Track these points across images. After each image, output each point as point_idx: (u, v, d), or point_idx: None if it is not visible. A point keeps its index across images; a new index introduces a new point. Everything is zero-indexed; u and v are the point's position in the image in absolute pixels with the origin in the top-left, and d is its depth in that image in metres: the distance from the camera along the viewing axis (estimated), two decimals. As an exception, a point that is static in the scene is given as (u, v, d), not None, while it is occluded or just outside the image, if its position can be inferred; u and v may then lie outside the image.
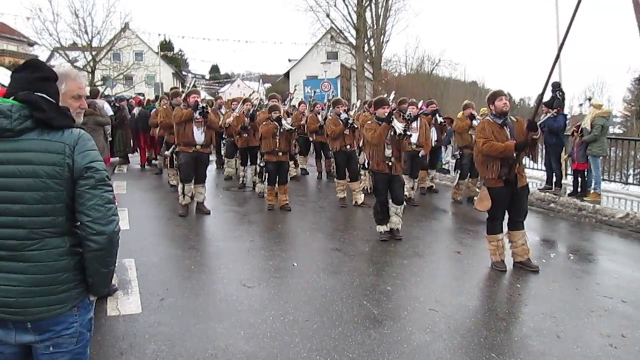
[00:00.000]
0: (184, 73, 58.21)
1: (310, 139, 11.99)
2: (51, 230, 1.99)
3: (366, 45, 29.06)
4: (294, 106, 13.69)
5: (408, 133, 6.68)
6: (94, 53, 30.67)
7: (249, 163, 10.42)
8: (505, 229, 5.75)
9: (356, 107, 12.12)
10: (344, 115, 8.90)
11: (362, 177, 9.30)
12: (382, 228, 6.81)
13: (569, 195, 9.36)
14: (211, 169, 12.91)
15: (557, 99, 9.84)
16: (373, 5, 28.55)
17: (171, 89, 11.66)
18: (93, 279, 2.09)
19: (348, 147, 8.99)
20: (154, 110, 12.84)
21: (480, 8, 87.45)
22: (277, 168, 8.48)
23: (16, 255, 1.97)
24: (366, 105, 10.54)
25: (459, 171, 9.69)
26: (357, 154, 9.09)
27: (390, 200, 6.79)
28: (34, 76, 2.04)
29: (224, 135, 11.57)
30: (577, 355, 3.80)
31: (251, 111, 9.87)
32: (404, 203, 6.96)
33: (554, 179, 10.00)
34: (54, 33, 29.37)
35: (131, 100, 15.83)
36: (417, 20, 63.34)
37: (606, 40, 78.62)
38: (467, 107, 9.56)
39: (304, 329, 4.12)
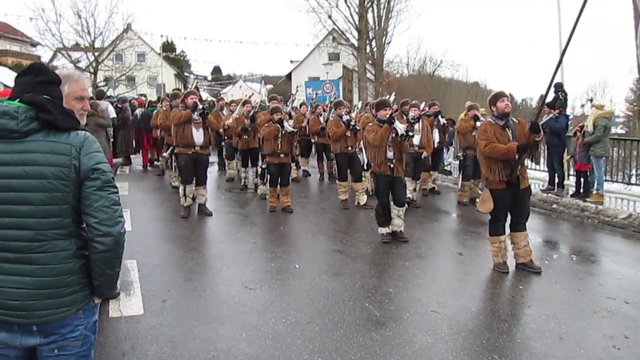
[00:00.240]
0: (186, 74, 58.31)
1: (312, 140, 11.99)
2: (58, 232, 2.00)
3: (368, 47, 29.08)
4: (295, 107, 13.71)
5: (410, 134, 6.67)
6: (96, 54, 30.76)
7: (249, 165, 10.44)
8: (507, 230, 5.74)
9: (358, 108, 12.12)
10: (345, 117, 8.90)
11: (363, 178, 9.29)
12: (384, 230, 6.80)
13: (572, 196, 9.35)
14: (213, 171, 12.95)
15: (560, 100, 9.84)
16: (375, 7, 28.58)
17: (173, 90, 11.69)
18: (99, 280, 2.09)
19: (349, 148, 8.98)
20: (155, 111, 12.87)
21: (482, 9, 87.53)
22: (279, 170, 8.48)
23: (23, 257, 1.97)
24: (368, 107, 10.55)
25: (463, 172, 9.67)
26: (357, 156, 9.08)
27: (392, 203, 6.78)
28: (37, 80, 2.05)
29: (223, 137, 11.57)
30: (580, 356, 3.79)
31: (251, 113, 9.88)
32: (406, 205, 6.95)
33: (556, 180, 9.98)
34: (57, 34, 29.54)
35: (133, 101, 15.87)
36: (419, 21, 63.34)
37: (608, 41, 78.54)
38: (471, 108, 9.54)
39: (305, 331, 4.11)
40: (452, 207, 9.42)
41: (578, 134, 9.39)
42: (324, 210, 8.97)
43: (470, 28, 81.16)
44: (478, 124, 8.50)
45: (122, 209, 2.10)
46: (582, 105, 10.65)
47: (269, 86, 54.08)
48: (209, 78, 68.76)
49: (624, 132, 28.17)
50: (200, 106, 7.97)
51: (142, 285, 5.09)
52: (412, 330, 4.17)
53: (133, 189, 10.65)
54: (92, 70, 30.19)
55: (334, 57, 34.62)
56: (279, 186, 8.59)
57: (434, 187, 10.63)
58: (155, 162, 13.72)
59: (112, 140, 8.59)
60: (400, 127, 6.54)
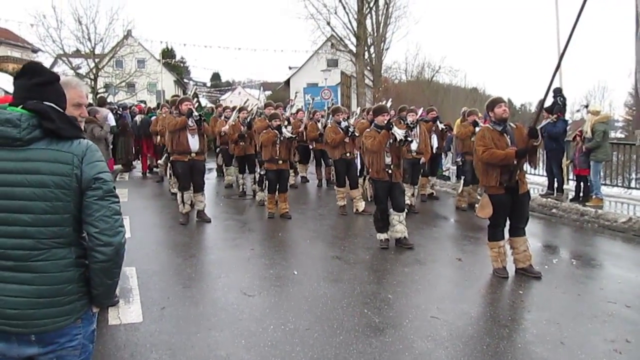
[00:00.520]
0: (185, 80, 58.40)
1: (310, 146, 11.99)
2: (58, 240, 1.99)
3: (366, 53, 29.13)
4: (292, 113, 13.72)
5: (409, 139, 6.67)
6: (96, 60, 30.82)
7: (247, 171, 10.44)
8: (506, 235, 5.74)
9: (356, 114, 12.13)
10: (344, 124, 8.90)
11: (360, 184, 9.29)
12: (382, 236, 6.79)
13: (571, 200, 9.34)
14: (212, 177, 12.96)
15: (558, 105, 9.85)
16: (373, 13, 28.64)
17: (172, 96, 11.71)
18: (98, 290, 2.08)
19: (348, 154, 8.98)
20: (154, 117, 12.89)
21: (480, 14, 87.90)
22: (278, 176, 8.48)
23: (22, 265, 1.95)
24: (364, 113, 10.60)
25: (462, 178, 9.67)
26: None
27: (391, 209, 6.77)
28: (32, 82, 2.03)
29: (217, 144, 11.59)
30: (581, 362, 3.77)
31: (248, 119, 9.89)
32: (405, 210, 6.94)
33: (556, 185, 9.98)
34: (58, 40, 29.53)
35: (133, 108, 15.89)
36: (418, 27, 63.65)
37: (607, 45, 78.82)
38: (471, 113, 9.55)
39: (304, 338, 4.10)
40: (451, 213, 9.41)
41: (578, 138, 9.39)
42: (323, 216, 8.96)
43: (468, 34, 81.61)
44: (477, 129, 8.50)
45: (122, 219, 2.09)
46: (578, 110, 10.70)
47: (268, 92, 54.15)
48: (208, 84, 68.84)
49: (623, 136, 28.18)
50: (196, 113, 7.95)
51: (142, 292, 5.08)
52: (411, 337, 4.16)
53: (132, 195, 10.65)
54: (92, 77, 30.24)
55: (333, 63, 34.68)
56: (277, 192, 8.59)
57: (432, 193, 10.63)
58: (155, 169, 13.73)
59: (111, 147, 8.57)
60: (399, 132, 6.55)
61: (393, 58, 71.35)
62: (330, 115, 9.69)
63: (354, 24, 28.22)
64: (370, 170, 6.86)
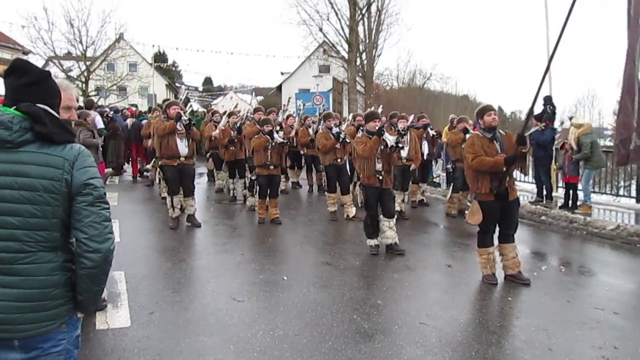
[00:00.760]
0: (177, 84, 58.30)
1: (301, 152, 11.99)
2: (45, 244, 1.97)
3: (358, 59, 29.26)
4: (284, 118, 13.72)
5: (400, 145, 6.69)
6: (88, 63, 30.70)
7: (237, 176, 10.42)
8: (496, 242, 5.76)
9: (348, 120, 12.15)
10: (335, 129, 8.92)
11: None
12: (372, 242, 6.80)
13: (560, 208, 9.41)
14: (202, 182, 12.92)
15: (547, 113, 9.92)
16: (365, 20, 28.81)
17: (164, 100, 11.69)
18: (83, 296, 2.05)
19: (339, 160, 9.00)
20: (145, 121, 12.84)
21: (472, 23, 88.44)
22: (269, 181, 8.47)
23: (8, 268, 1.93)
24: (352, 118, 10.69)
25: (452, 184, 9.72)
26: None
27: (381, 215, 6.78)
28: (20, 83, 2.01)
29: (208, 149, 11.57)
30: (568, 369, 3.79)
31: (238, 124, 9.87)
32: (395, 216, 6.96)
33: (545, 192, 10.05)
34: (49, 42, 29.50)
35: (125, 111, 15.82)
36: (409, 34, 63.99)
37: (597, 54, 79.61)
38: (461, 121, 9.61)
39: (294, 344, 4.08)
40: (441, 219, 9.44)
41: (566, 146, 9.47)
42: (313, 222, 8.95)
43: (460, 42, 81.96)
44: (467, 136, 8.55)
45: (112, 226, 2.07)
46: (562, 123, 10.78)
47: (260, 98, 54.13)
48: (200, 89, 68.67)
49: (612, 144, 28.44)
50: (185, 117, 7.92)
51: (130, 297, 5.05)
52: (400, 343, 4.15)
53: (122, 199, 10.58)
54: (83, 80, 30.11)
55: (325, 69, 34.77)
56: (268, 198, 8.58)
57: (422, 199, 10.65)
58: (145, 173, 13.67)
59: (100, 150, 8.50)
60: (390, 138, 6.57)
61: (385, 65, 71.78)
62: (322, 121, 9.70)
63: (346, 31, 28.37)
64: (360, 176, 6.87)
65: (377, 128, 6.64)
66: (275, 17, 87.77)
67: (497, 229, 5.72)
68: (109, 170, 13.33)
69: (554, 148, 10.03)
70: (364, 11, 28.35)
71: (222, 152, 10.43)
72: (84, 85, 30.01)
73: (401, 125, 8.67)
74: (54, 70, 30.70)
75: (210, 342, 4.11)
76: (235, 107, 11.79)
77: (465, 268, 6.24)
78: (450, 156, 10.03)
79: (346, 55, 28.96)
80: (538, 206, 9.63)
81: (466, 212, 6.27)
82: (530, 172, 11.01)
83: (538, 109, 10.12)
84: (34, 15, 29.87)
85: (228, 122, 10.07)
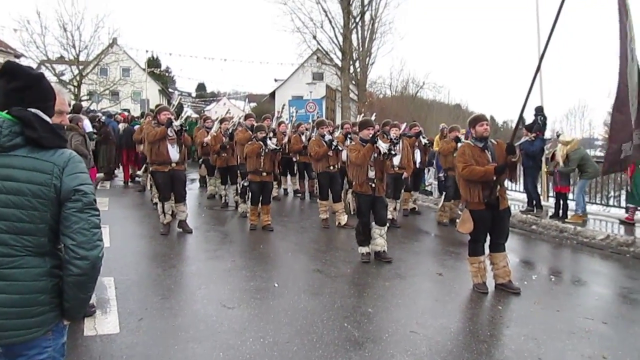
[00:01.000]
0: (170, 90, 58.18)
1: (294, 159, 11.99)
2: (32, 249, 1.95)
3: (352, 67, 29.30)
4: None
5: (393, 152, 6.71)
6: (80, 67, 30.56)
7: (229, 182, 10.40)
8: (487, 251, 5.78)
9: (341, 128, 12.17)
10: (328, 137, 8.94)
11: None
12: (364, 249, 6.80)
13: (551, 217, 9.46)
14: (194, 188, 12.87)
15: (538, 124, 10.00)
16: (359, 28, 28.86)
17: (156, 105, 11.66)
18: (70, 303, 2.03)
19: (331, 168, 9.01)
20: (137, 126, 12.80)
21: (465, 32, 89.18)
22: (261, 188, 8.46)
23: None
24: (340, 126, 10.76)
25: (444, 193, 9.75)
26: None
27: (373, 222, 6.78)
28: (10, 87, 1.99)
29: (199, 155, 11.55)
30: (557, 378, 3.80)
31: (230, 130, 9.87)
32: (387, 224, 6.97)
33: (534, 202, 10.11)
34: (41, 46, 29.24)
35: (117, 116, 15.76)
36: (403, 43, 64.02)
37: (588, 65, 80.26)
38: (452, 130, 9.67)
39: (284, 351, 4.07)
40: (432, 227, 9.46)
41: (556, 158, 9.54)
42: (305, 229, 8.94)
43: (452, 51, 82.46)
44: (459, 145, 8.59)
45: (101, 232, 2.05)
46: (549, 138, 10.91)
47: (253, 104, 54.18)
48: (193, 95, 68.67)
49: (602, 154, 28.67)
50: (177, 123, 7.89)
51: (119, 303, 5.01)
52: (390, 351, 4.15)
53: (113, 204, 10.52)
54: (75, 84, 29.97)
55: (318, 76, 34.83)
56: (260, 204, 8.56)
57: (414, 207, 10.68)
58: (137, 178, 13.61)
59: (91, 156, 8.45)
60: (383, 146, 6.59)
61: (378, 73, 71.92)
62: (315, 128, 9.72)
63: (340, 39, 28.41)
64: (354, 183, 6.88)
65: (370, 136, 6.66)
66: (269, 24, 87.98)
67: (488, 237, 5.74)
68: (100, 175, 13.27)
69: (543, 159, 10.10)
70: (357, 20, 28.43)
71: (213, 159, 10.41)
72: (76, 89, 29.85)
73: (393, 133, 8.70)
74: (46, 74, 30.44)
75: (200, 349, 4.08)
76: (227, 112, 11.75)
77: (456, 276, 6.25)
78: (441, 165, 10.07)
79: (340, 63, 28.99)
80: (529, 215, 9.68)
81: (457, 220, 6.29)
82: (521, 181, 11.07)
83: (529, 119, 10.21)
84: (27, 19, 29.63)
85: (220, 128, 10.07)
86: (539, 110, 10.21)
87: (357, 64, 29.74)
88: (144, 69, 41.76)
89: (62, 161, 1.97)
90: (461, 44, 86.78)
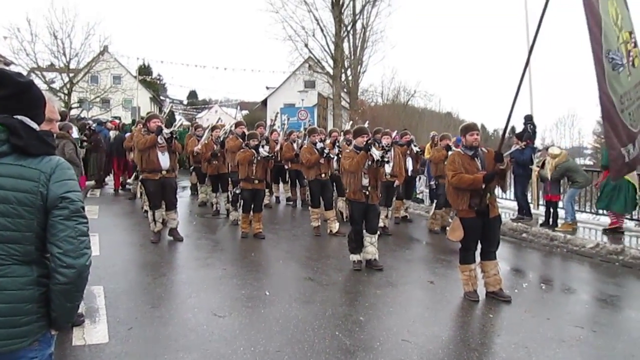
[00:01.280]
0: (161, 98, 58.06)
1: (286, 167, 11.99)
2: (18, 258, 1.92)
3: (343, 75, 29.44)
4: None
5: (385, 160, 6.73)
6: (71, 75, 30.45)
7: (220, 190, 10.37)
8: (477, 259, 5.79)
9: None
10: (319, 145, 8.95)
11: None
12: (355, 257, 6.80)
13: (541, 225, 9.51)
14: (185, 196, 12.83)
15: (528, 132, 10.08)
16: (351, 37, 29.03)
17: (147, 113, 11.63)
18: (57, 312, 2.00)
19: (323, 175, 9.02)
20: (129, 134, 12.75)
21: (456, 42, 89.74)
22: (253, 196, 8.44)
23: None
24: (328, 134, 10.83)
25: (435, 201, 9.78)
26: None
27: (364, 230, 6.79)
28: None
29: (191, 163, 11.52)
30: (548, 386, 3.80)
31: (221, 138, 9.86)
32: (378, 232, 6.97)
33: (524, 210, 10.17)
34: (32, 53, 29.15)
35: (108, 124, 15.68)
36: (394, 52, 64.25)
37: (577, 75, 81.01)
38: (443, 138, 9.73)
39: (275, 360, 4.04)
40: (424, 235, 9.48)
41: (545, 168, 9.61)
42: (296, 237, 8.93)
43: (443, 60, 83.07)
44: (450, 153, 8.64)
45: (89, 240, 2.01)
46: (539, 151, 10.99)
47: (245, 112, 54.16)
48: (185, 102, 68.54)
49: (591, 163, 28.89)
50: (168, 130, 7.86)
51: (108, 312, 4.96)
52: (382, 359, 4.14)
53: (103, 212, 10.45)
54: (66, 92, 29.84)
55: (310, 84, 34.94)
56: (251, 212, 8.54)
57: (406, 215, 10.71)
58: (127, 186, 13.54)
59: (81, 164, 8.41)
60: (376, 153, 6.60)
61: (369, 81, 72.27)
62: (307, 136, 9.74)
63: (332, 47, 28.57)
64: (347, 191, 6.89)
65: (364, 143, 6.67)
66: (260, 32, 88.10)
67: (479, 245, 5.76)
68: (90, 183, 13.19)
69: (533, 167, 10.16)
70: (349, 28, 28.61)
71: (204, 166, 10.39)
72: (66, 97, 29.72)
73: (385, 141, 8.72)
74: (36, 82, 30.26)
75: (190, 359, 4.05)
76: (218, 121, 11.75)
77: (447, 284, 6.25)
78: (432, 173, 10.11)
79: (331, 71, 29.13)
80: (519, 223, 9.72)
81: (448, 228, 6.31)
82: (512, 189, 11.13)
83: (519, 127, 10.30)
84: (17, 26, 29.51)
85: (211, 135, 10.05)
86: (529, 119, 10.30)
87: (348, 72, 29.89)
88: (135, 77, 41.67)
89: (49, 168, 1.95)
90: (452, 53, 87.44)
